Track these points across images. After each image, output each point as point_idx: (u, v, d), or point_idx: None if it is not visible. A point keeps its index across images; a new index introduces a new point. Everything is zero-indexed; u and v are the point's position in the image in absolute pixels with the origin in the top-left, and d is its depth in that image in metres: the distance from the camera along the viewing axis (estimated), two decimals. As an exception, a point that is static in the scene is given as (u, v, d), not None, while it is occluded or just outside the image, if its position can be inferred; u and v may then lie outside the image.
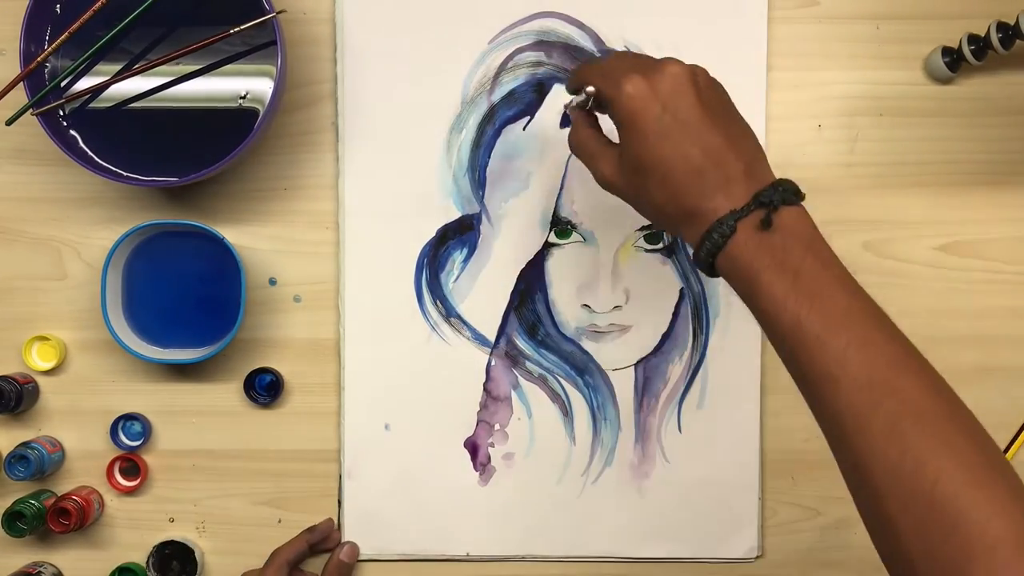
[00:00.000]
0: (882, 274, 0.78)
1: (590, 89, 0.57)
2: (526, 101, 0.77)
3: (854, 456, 0.48)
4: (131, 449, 0.78)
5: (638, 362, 0.78)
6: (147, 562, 0.77)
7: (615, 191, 0.58)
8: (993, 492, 0.44)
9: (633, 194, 0.57)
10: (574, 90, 0.61)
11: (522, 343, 0.78)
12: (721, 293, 0.77)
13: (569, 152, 0.76)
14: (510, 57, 0.76)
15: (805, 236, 0.52)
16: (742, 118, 0.56)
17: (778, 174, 0.76)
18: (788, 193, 0.52)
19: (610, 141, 0.59)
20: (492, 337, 0.77)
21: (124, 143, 0.73)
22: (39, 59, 0.71)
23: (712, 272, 0.54)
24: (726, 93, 0.57)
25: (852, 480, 0.50)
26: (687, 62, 0.56)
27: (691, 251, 0.55)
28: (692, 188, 0.53)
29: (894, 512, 0.46)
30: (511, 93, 0.77)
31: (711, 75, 0.56)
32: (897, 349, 0.50)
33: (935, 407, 0.47)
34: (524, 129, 0.77)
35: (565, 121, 0.76)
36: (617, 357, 0.78)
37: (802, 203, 0.53)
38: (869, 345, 0.49)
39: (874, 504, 0.48)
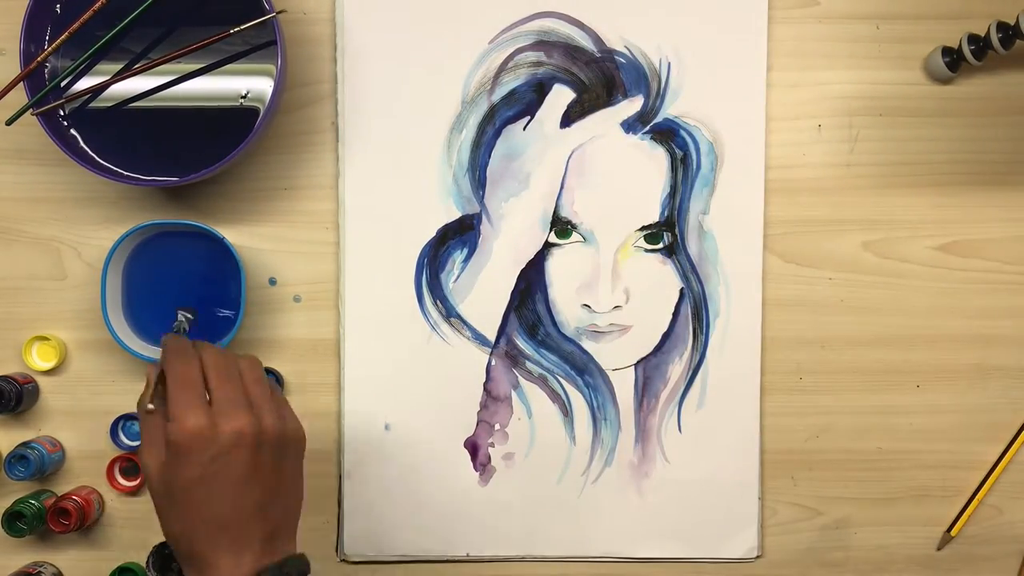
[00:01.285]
0: (882, 274, 0.78)
1: (150, 407, 0.57)
2: (526, 101, 0.77)
3: None
4: (131, 449, 0.78)
5: (638, 362, 0.78)
6: (147, 562, 0.77)
7: (149, 483, 0.57)
8: None
9: (162, 503, 0.57)
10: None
11: (522, 343, 0.78)
12: (721, 293, 0.77)
13: (570, 151, 0.76)
14: (510, 57, 0.76)
15: None
16: (293, 476, 0.58)
17: (778, 174, 0.77)
18: (296, 573, 0.56)
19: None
20: (492, 337, 0.77)
21: (124, 143, 0.73)
22: (39, 59, 0.71)
23: None
24: (292, 447, 0.58)
25: None
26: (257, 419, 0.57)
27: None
28: (208, 539, 0.55)
29: None
30: (511, 93, 0.77)
31: (293, 435, 0.58)
32: None
33: None
34: (524, 129, 0.77)
35: (566, 121, 0.76)
36: (617, 357, 0.78)
37: None
38: None
39: None
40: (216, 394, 0.57)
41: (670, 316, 0.78)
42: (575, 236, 0.77)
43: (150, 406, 0.58)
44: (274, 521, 0.57)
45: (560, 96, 0.76)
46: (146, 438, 0.58)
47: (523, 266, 0.77)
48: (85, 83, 0.72)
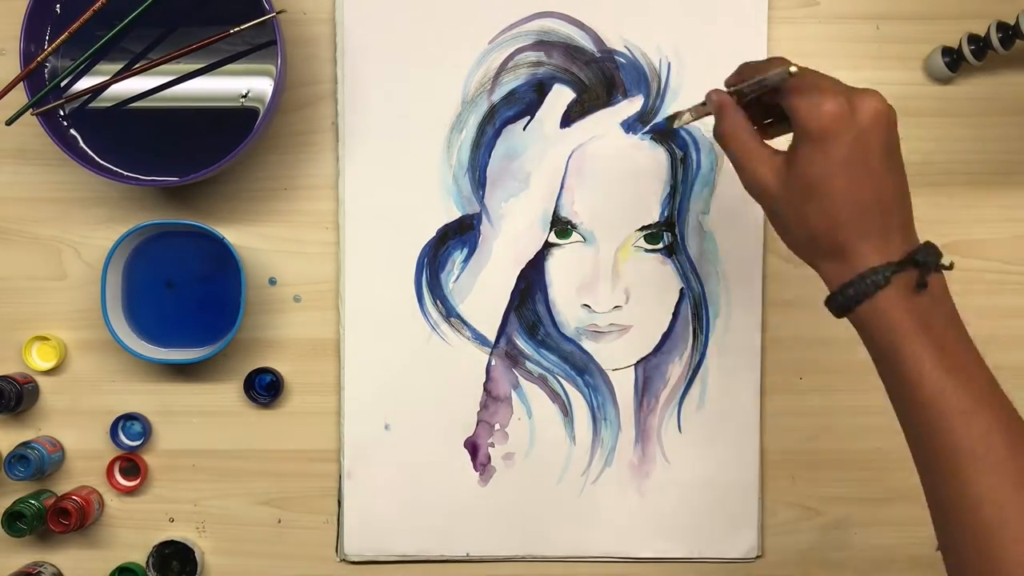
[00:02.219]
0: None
1: (793, 69, 0.52)
2: (526, 101, 0.77)
3: (986, 537, 0.48)
4: (131, 449, 0.78)
5: (638, 362, 0.78)
6: (147, 562, 0.77)
7: (766, 200, 0.56)
8: None
9: (786, 208, 0.54)
10: (734, 82, 0.57)
11: (522, 343, 0.78)
12: (721, 293, 0.77)
13: (570, 151, 0.76)
14: (510, 57, 0.76)
15: (947, 306, 0.53)
16: (904, 172, 0.55)
17: (779, 174, 0.77)
18: (939, 258, 0.52)
19: (765, 143, 0.56)
20: (492, 337, 0.77)
21: (124, 143, 0.73)
22: (39, 59, 0.71)
23: (841, 315, 0.54)
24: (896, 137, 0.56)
25: (971, 564, 0.49)
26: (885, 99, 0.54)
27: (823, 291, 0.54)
28: (854, 226, 0.52)
29: None
30: (511, 93, 0.77)
31: (895, 120, 0.55)
32: None
33: None
34: (524, 129, 0.77)
35: (566, 121, 0.76)
36: (617, 357, 0.78)
37: (950, 270, 0.53)
38: (1011, 424, 0.50)
39: None
40: (833, 86, 0.54)
41: (670, 316, 0.78)
42: (575, 236, 0.77)
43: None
44: (908, 209, 0.54)
45: (560, 96, 0.76)
46: (738, 150, 0.56)
47: (523, 266, 0.77)
48: (85, 83, 0.72)
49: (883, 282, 0.51)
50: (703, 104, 0.60)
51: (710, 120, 0.76)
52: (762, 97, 0.56)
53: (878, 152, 0.52)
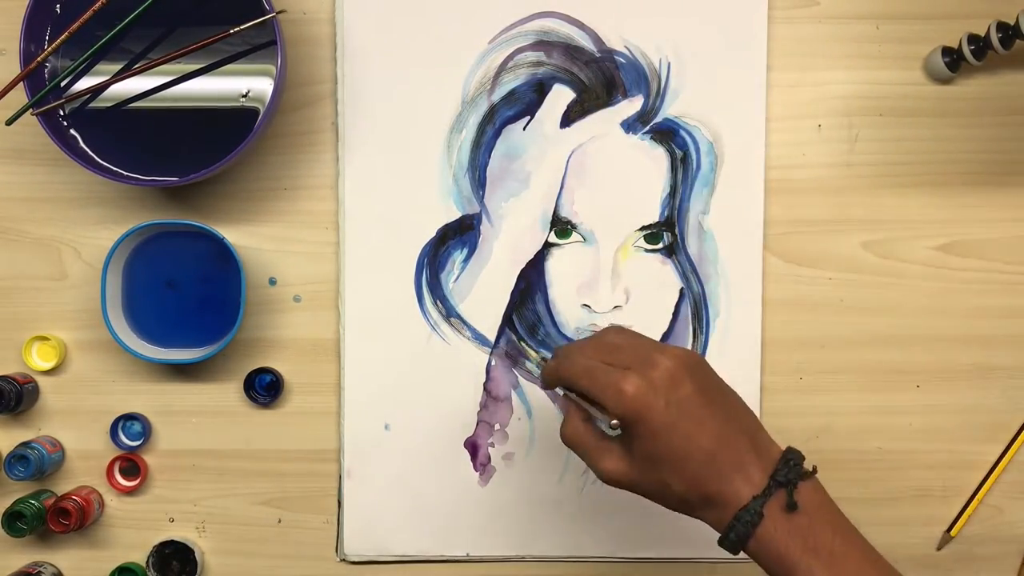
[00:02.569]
0: (882, 274, 0.78)
1: (614, 422, 0.55)
2: (526, 101, 0.77)
3: None
4: (131, 449, 0.78)
5: (638, 362, 0.78)
6: (147, 562, 0.77)
7: (626, 485, 0.57)
8: None
9: (647, 487, 0.57)
10: (551, 387, 0.61)
11: (522, 343, 0.78)
12: (721, 293, 0.77)
13: (569, 151, 0.76)
14: (510, 57, 0.76)
15: (828, 513, 0.54)
16: (732, 393, 0.57)
17: (778, 174, 0.77)
18: (798, 468, 0.54)
19: (604, 435, 0.58)
20: (492, 337, 0.77)
21: (124, 143, 0.73)
22: (39, 59, 0.71)
23: (736, 552, 0.55)
24: (712, 370, 0.58)
25: None
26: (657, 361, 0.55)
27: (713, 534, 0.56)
28: (708, 474, 0.54)
29: None
30: (511, 93, 0.77)
31: (696, 355, 0.57)
32: None
33: None
34: (524, 129, 0.77)
35: (566, 121, 0.76)
36: (617, 357, 0.78)
37: (814, 475, 0.55)
38: None
39: None
40: (622, 362, 0.56)
41: (670, 316, 0.78)
42: (575, 236, 0.77)
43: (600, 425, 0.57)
44: (749, 428, 0.56)
45: (560, 96, 0.76)
46: (582, 451, 0.58)
47: (523, 266, 0.77)
48: (85, 83, 0.72)
49: (756, 518, 0.53)
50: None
51: (711, 120, 0.77)
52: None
53: (692, 401, 0.54)
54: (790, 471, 0.54)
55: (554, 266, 0.77)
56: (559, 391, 0.61)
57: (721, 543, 0.55)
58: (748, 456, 0.54)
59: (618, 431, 0.55)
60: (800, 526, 0.53)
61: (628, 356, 0.56)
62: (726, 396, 0.57)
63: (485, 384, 0.78)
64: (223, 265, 0.75)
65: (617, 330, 0.60)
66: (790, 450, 0.55)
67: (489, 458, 0.78)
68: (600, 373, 0.56)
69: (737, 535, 0.53)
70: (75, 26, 0.71)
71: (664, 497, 0.56)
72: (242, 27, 0.70)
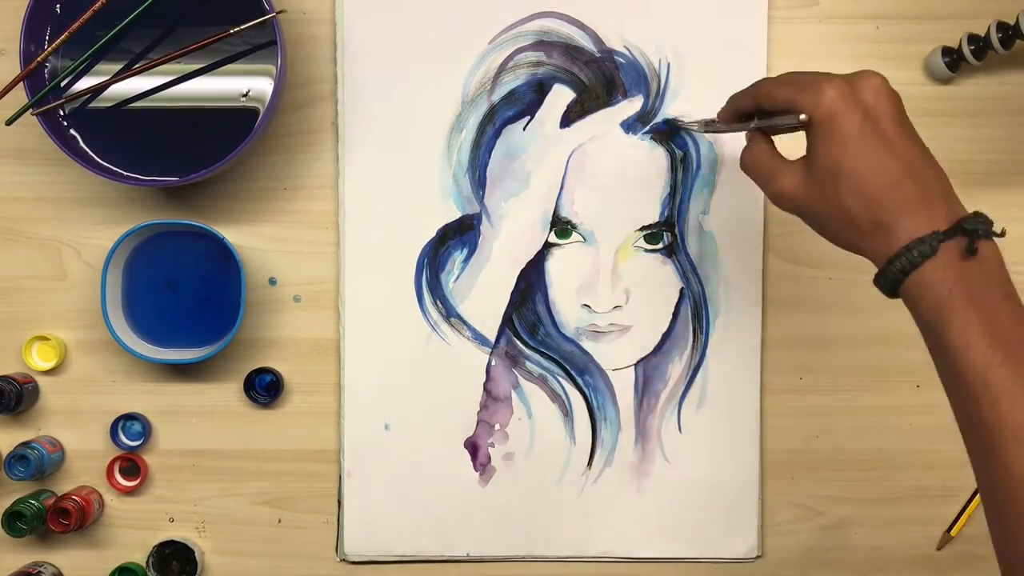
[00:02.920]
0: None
1: (803, 117, 0.53)
2: (526, 101, 0.77)
3: None
4: (131, 449, 0.78)
5: (638, 362, 0.78)
6: (147, 562, 0.77)
7: (794, 205, 0.55)
8: None
9: (819, 204, 0.54)
10: (741, 107, 0.59)
11: (522, 343, 0.78)
12: (721, 293, 0.77)
13: (570, 152, 0.76)
14: (510, 57, 0.76)
15: (1002, 277, 0.51)
16: (925, 146, 0.55)
17: (778, 174, 0.77)
18: (989, 225, 0.51)
19: (785, 160, 0.57)
20: (492, 337, 0.77)
21: (124, 143, 0.73)
22: (39, 59, 0.71)
23: (892, 292, 0.52)
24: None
25: (1014, 544, 0.48)
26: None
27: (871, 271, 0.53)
28: (891, 199, 0.51)
29: None
30: (511, 93, 0.77)
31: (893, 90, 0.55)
32: None
33: None
34: (524, 129, 0.77)
35: (566, 121, 0.76)
36: (617, 357, 0.78)
37: (1002, 237, 0.52)
38: None
39: None
40: (795, 75, 0.55)
41: (670, 316, 0.78)
42: (575, 236, 0.77)
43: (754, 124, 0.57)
44: (943, 177, 0.53)
45: (560, 96, 0.76)
46: (763, 172, 0.57)
47: (523, 266, 0.77)
48: (85, 83, 0.72)
49: (929, 252, 0.49)
50: (711, 121, 0.62)
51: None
52: (762, 104, 0.57)
53: (889, 123, 0.52)
54: (980, 222, 0.50)
55: (554, 266, 0.77)
56: (746, 125, 0.59)
57: (878, 278, 0.52)
58: (937, 197, 0.51)
59: (806, 127, 0.53)
60: (971, 278, 0.49)
61: (838, 75, 0.54)
62: (919, 140, 0.54)
63: (485, 384, 0.78)
64: (223, 265, 0.75)
65: None
66: (982, 214, 0.52)
67: (489, 458, 0.78)
68: (802, 76, 0.54)
69: (902, 266, 0.50)
70: (75, 26, 0.71)
71: (830, 218, 0.53)
72: (242, 27, 0.70)
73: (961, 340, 0.48)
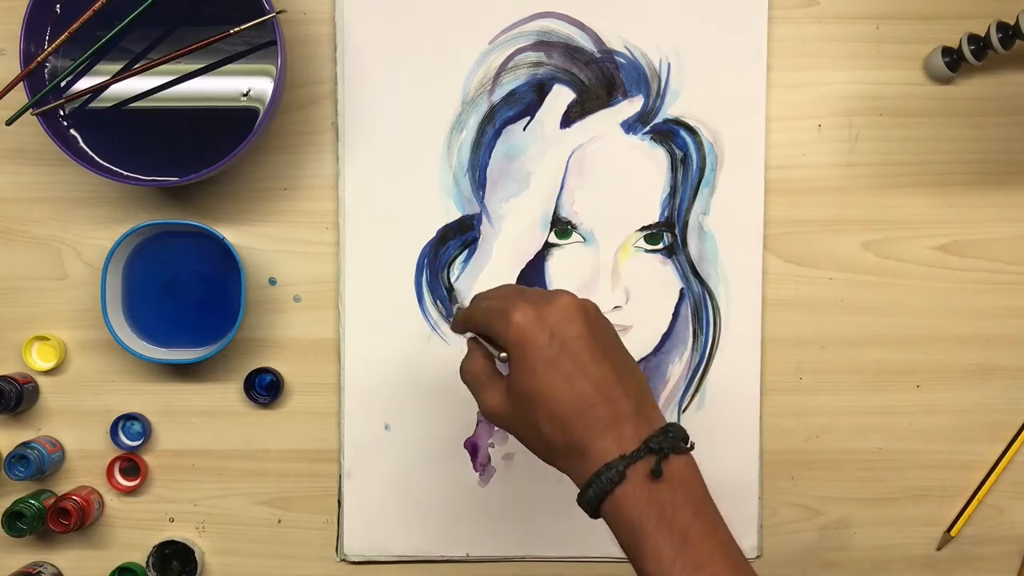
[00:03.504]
0: (882, 274, 0.78)
1: (504, 355, 0.55)
2: (526, 101, 0.77)
3: None
4: (131, 449, 0.78)
5: (638, 362, 0.78)
6: (147, 562, 0.77)
7: (499, 421, 0.56)
8: None
9: (520, 426, 0.55)
10: (461, 331, 0.60)
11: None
12: (721, 293, 0.77)
13: (570, 152, 0.76)
14: (510, 57, 0.76)
15: (694, 493, 0.51)
16: (629, 355, 0.55)
17: (778, 174, 0.77)
18: (677, 440, 0.51)
19: (497, 373, 0.57)
20: (492, 337, 0.77)
21: (124, 143, 0.73)
22: (39, 59, 0.71)
23: (594, 514, 0.52)
24: (613, 329, 0.56)
25: None
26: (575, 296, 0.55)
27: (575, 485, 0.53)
28: (581, 423, 0.52)
29: None
30: (511, 93, 0.77)
31: (600, 310, 0.55)
32: None
33: None
34: (524, 129, 0.77)
35: (566, 121, 0.77)
36: (617, 357, 0.78)
37: (691, 451, 0.52)
38: None
39: None
40: (498, 296, 0.56)
41: (670, 316, 0.78)
42: (575, 236, 0.77)
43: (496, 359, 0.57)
44: (636, 391, 0.53)
45: (560, 96, 0.76)
46: (473, 386, 0.57)
47: (523, 266, 0.77)
48: (85, 83, 0.72)
49: (617, 478, 0.50)
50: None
51: (711, 120, 0.77)
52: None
53: (577, 342, 0.52)
54: (665, 440, 0.51)
55: (554, 266, 0.77)
56: (467, 336, 0.60)
57: (579, 500, 0.52)
58: (627, 416, 0.52)
59: (507, 363, 0.54)
60: (661, 499, 0.50)
61: (533, 295, 0.55)
62: (620, 353, 0.55)
63: (485, 384, 0.78)
64: (223, 265, 0.75)
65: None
66: (674, 424, 0.53)
67: (489, 458, 0.78)
68: (497, 306, 0.55)
69: (595, 493, 0.51)
70: (75, 26, 0.71)
71: (531, 440, 0.54)
72: (242, 27, 0.70)
73: (654, 566, 0.49)
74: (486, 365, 0.58)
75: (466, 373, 0.58)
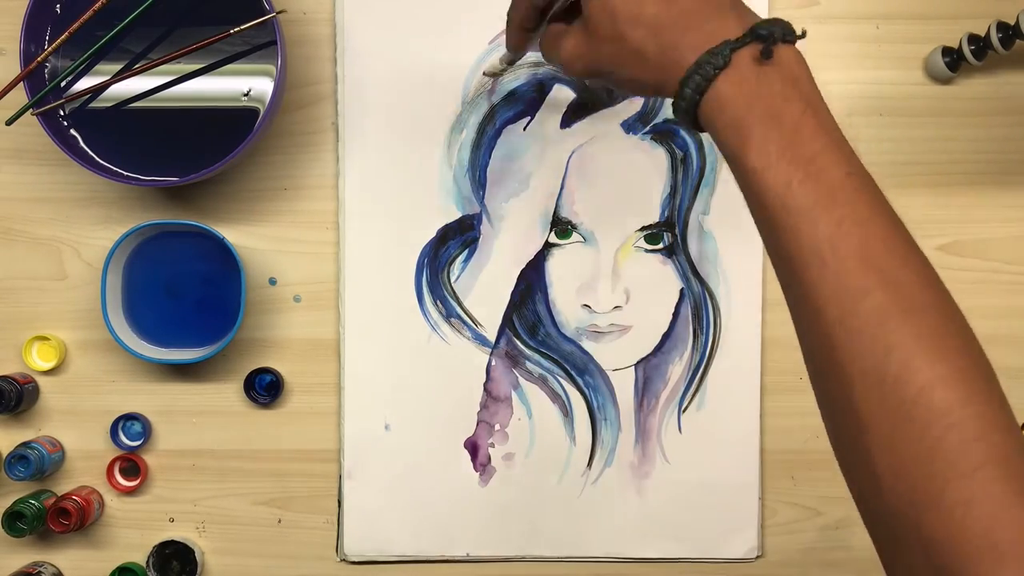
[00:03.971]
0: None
1: None
2: (526, 101, 0.77)
3: (830, 350, 0.42)
4: (131, 449, 0.78)
5: (638, 362, 0.78)
6: (147, 562, 0.77)
7: (585, 64, 0.51)
8: (981, 410, 0.40)
9: (606, 51, 0.49)
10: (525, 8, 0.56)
11: (522, 343, 0.78)
12: (721, 293, 0.77)
13: (570, 152, 0.76)
14: (510, 57, 0.76)
15: (804, 86, 0.45)
16: None
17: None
18: (788, 29, 0.45)
19: (573, 25, 0.52)
20: (492, 337, 0.77)
21: (124, 143, 0.73)
22: (39, 59, 0.71)
23: (695, 123, 0.47)
24: None
25: (822, 375, 0.43)
26: None
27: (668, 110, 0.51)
28: (670, 17, 0.46)
29: (866, 419, 0.41)
30: (511, 93, 0.77)
31: None
32: (893, 234, 0.44)
33: (930, 304, 0.42)
34: (524, 129, 0.77)
35: (566, 121, 0.77)
36: (617, 357, 0.78)
37: (801, 39, 0.46)
38: (865, 225, 0.43)
39: (843, 405, 0.42)
40: None
41: (670, 316, 0.78)
42: (575, 236, 0.77)
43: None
44: None
45: (560, 96, 0.76)
46: (550, 44, 0.53)
47: (523, 266, 0.77)
48: (85, 83, 0.72)
49: (723, 62, 0.44)
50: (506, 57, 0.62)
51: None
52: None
53: None
54: (776, 25, 0.45)
55: (554, 266, 0.77)
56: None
57: (676, 109, 0.47)
58: (725, 6, 0.46)
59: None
60: (768, 89, 0.44)
61: None
62: None
63: (485, 384, 0.78)
64: (223, 265, 0.75)
65: None
66: (778, 19, 0.46)
67: (489, 458, 0.78)
68: None
69: (695, 85, 0.45)
70: (75, 26, 0.71)
71: (624, 62, 0.48)
72: (242, 27, 0.70)
73: (759, 161, 0.43)
74: (559, 25, 0.53)
75: (544, 45, 0.54)
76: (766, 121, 0.43)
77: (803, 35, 0.46)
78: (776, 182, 0.43)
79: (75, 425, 0.78)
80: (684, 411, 0.78)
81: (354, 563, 0.79)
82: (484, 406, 0.78)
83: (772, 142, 0.43)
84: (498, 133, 0.77)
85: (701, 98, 0.45)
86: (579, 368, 0.78)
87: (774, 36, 0.44)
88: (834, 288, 0.42)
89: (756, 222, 0.45)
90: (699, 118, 0.46)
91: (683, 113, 0.46)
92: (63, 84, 0.72)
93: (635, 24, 0.47)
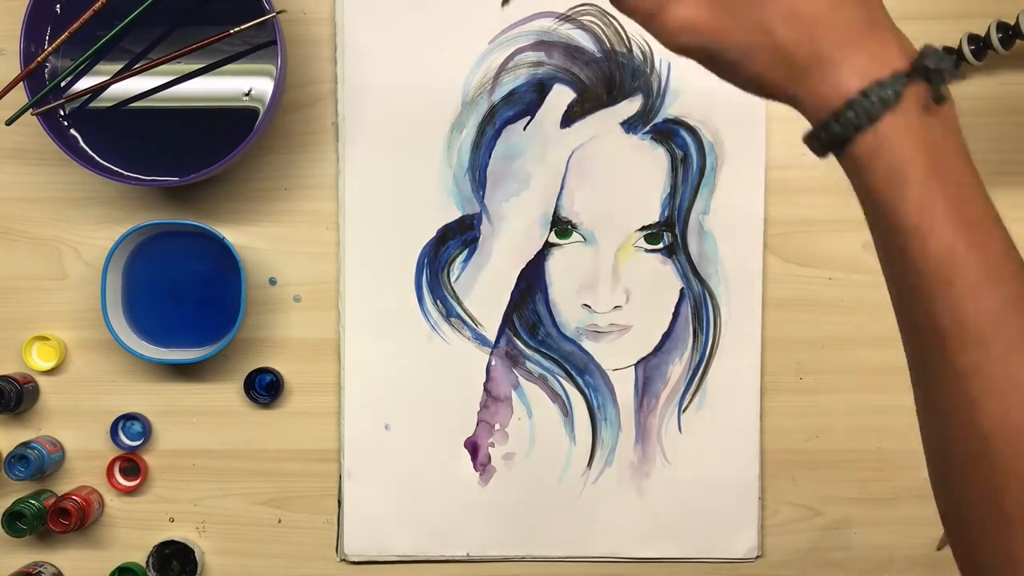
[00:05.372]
0: (882, 274, 0.78)
1: None
2: (526, 101, 0.77)
3: (983, 446, 0.39)
4: (131, 449, 0.78)
5: (638, 362, 0.78)
6: (147, 562, 0.77)
7: (698, 39, 0.42)
8: None
9: (735, 33, 0.41)
10: None
11: (522, 343, 0.78)
12: (721, 293, 0.77)
13: (570, 152, 0.76)
14: (510, 57, 0.76)
15: (960, 139, 0.39)
16: None
17: (778, 174, 0.77)
18: (951, 65, 0.38)
19: None
20: (492, 337, 0.77)
21: (124, 143, 0.73)
22: (39, 59, 0.71)
23: (832, 149, 0.41)
24: None
25: (964, 476, 0.41)
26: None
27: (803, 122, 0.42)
28: (834, 24, 0.38)
29: (1020, 525, 0.38)
30: (511, 93, 0.77)
31: None
32: None
33: None
34: (524, 129, 0.77)
35: (566, 121, 0.76)
36: (617, 357, 0.78)
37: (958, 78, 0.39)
38: None
39: (987, 511, 0.40)
40: None
41: (670, 316, 0.78)
42: (575, 236, 0.77)
43: None
44: (880, 8, 0.41)
45: (560, 96, 0.76)
46: (649, 5, 0.42)
47: (523, 266, 0.77)
48: (85, 83, 0.72)
49: (893, 98, 0.37)
50: None
51: (711, 120, 0.77)
52: None
53: None
54: (943, 61, 0.38)
55: (554, 266, 0.77)
56: None
57: (819, 130, 0.40)
58: (886, 26, 0.40)
59: None
60: (932, 138, 0.38)
61: None
62: None
63: (485, 384, 0.78)
64: (223, 265, 0.75)
65: None
66: (931, 46, 0.39)
67: (489, 458, 0.78)
68: None
69: (856, 116, 0.38)
70: (75, 26, 0.71)
71: (756, 54, 0.41)
72: (242, 27, 0.70)
73: (920, 219, 0.38)
74: None
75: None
76: (929, 176, 0.38)
77: (963, 76, 0.42)
78: (939, 248, 0.38)
79: (75, 425, 0.78)
80: (684, 411, 0.78)
81: (354, 563, 0.79)
82: (484, 406, 0.78)
83: (937, 199, 0.38)
84: (498, 133, 0.77)
85: (857, 133, 0.39)
86: (579, 368, 0.78)
87: (943, 75, 0.38)
88: (1000, 377, 0.38)
89: (894, 282, 0.41)
90: (844, 151, 0.40)
91: (827, 139, 0.40)
92: (63, 84, 0.72)
93: (790, 19, 0.39)
